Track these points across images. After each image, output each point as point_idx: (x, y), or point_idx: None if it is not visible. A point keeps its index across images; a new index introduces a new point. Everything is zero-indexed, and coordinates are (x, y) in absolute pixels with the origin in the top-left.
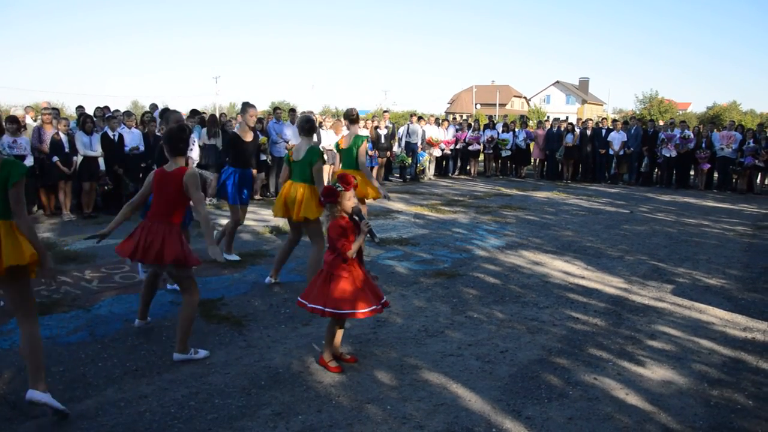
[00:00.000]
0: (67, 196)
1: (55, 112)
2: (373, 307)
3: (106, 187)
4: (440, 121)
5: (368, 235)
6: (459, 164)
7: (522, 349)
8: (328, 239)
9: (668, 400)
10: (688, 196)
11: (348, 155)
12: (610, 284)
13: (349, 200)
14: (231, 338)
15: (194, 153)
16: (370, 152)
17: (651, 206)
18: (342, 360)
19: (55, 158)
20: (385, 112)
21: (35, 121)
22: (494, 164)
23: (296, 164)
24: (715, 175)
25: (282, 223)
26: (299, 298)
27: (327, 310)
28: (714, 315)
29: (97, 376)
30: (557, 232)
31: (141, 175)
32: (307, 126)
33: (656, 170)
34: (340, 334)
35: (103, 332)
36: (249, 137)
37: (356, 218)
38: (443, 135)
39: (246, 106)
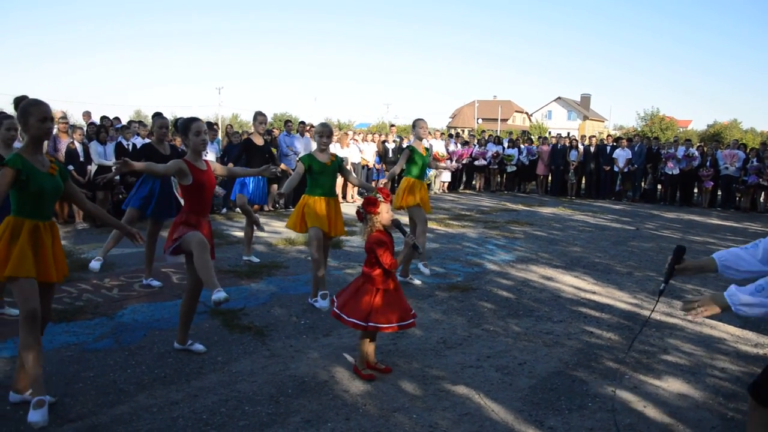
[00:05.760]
0: None
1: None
2: (410, 321)
3: (120, 196)
4: (446, 138)
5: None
6: (464, 179)
7: (540, 361)
8: (367, 252)
9: (686, 413)
10: (692, 214)
11: None
12: (620, 299)
13: (388, 212)
14: (255, 347)
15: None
16: (377, 166)
17: (657, 223)
18: (377, 370)
19: (71, 167)
20: (392, 126)
21: None
22: (499, 179)
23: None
24: (719, 193)
25: (294, 235)
26: (335, 309)
27: (370, 324)
28: (725, 331)
29: (128, 382)
30: (565, 247)
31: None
32: None
33: (659, 187)
34: (372, 346)
35: (128, 340)
36: (260, 142)
37: (399, 230)
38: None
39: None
